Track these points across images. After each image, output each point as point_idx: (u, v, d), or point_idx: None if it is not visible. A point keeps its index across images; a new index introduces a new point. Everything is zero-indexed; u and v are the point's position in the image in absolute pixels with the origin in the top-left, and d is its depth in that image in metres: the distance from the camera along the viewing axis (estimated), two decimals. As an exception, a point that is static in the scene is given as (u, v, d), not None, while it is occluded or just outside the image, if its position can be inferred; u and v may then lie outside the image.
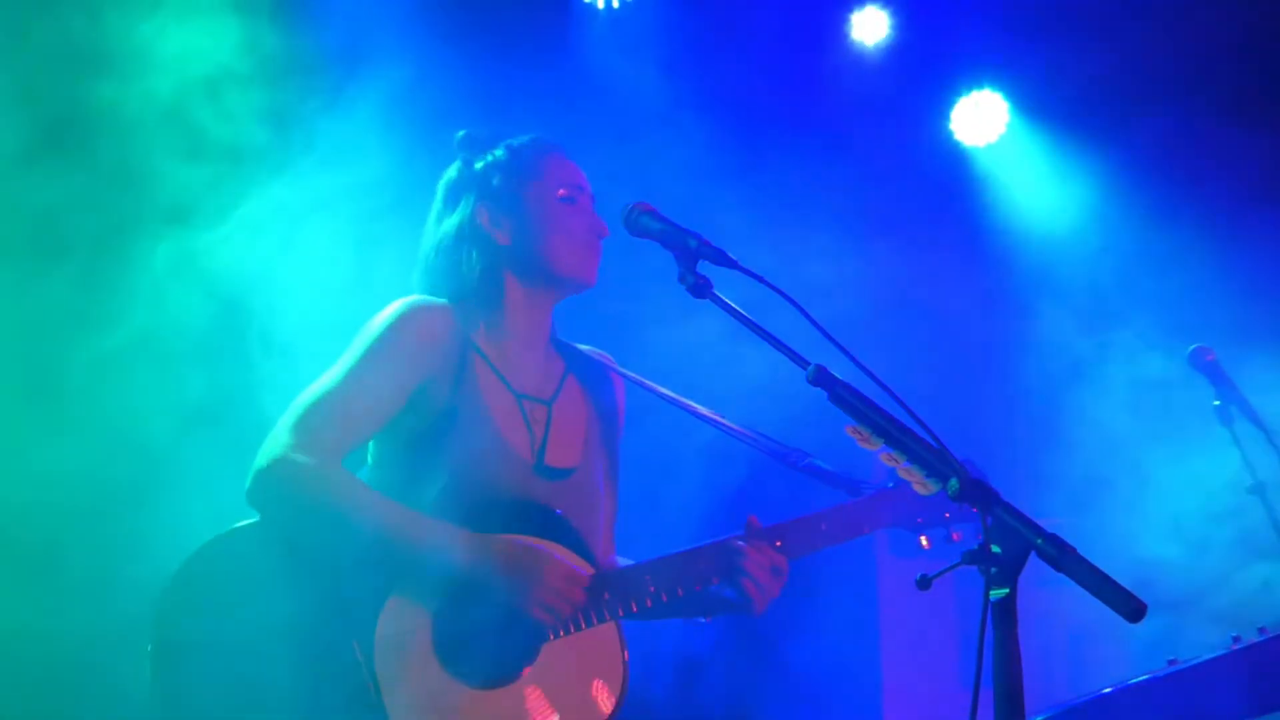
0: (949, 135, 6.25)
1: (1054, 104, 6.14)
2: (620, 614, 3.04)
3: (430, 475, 2.98)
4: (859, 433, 2.18)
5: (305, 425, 2.88)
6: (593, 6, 5.57)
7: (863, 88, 6.11)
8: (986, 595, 2.02)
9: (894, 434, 2.14)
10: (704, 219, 2.56)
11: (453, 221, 3.22)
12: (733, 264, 2.37)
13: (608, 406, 3.34)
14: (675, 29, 5.58)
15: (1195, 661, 3.20)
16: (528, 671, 2.93)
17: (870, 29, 6.04)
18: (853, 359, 2.21)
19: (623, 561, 3.28)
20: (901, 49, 6.07)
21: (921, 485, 2.12)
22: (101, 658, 3.81)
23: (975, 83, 6.18)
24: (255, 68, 4.25)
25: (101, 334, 4.02)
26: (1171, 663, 3.22)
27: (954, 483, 2.05)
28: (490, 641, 2.89)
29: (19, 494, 3.89)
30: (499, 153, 3.24)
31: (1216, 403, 4.00)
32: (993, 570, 2.01)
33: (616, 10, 5.55)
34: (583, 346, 3.36)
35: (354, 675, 2.81)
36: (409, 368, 3.00)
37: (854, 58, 6.09)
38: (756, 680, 5.51)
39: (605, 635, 3.03)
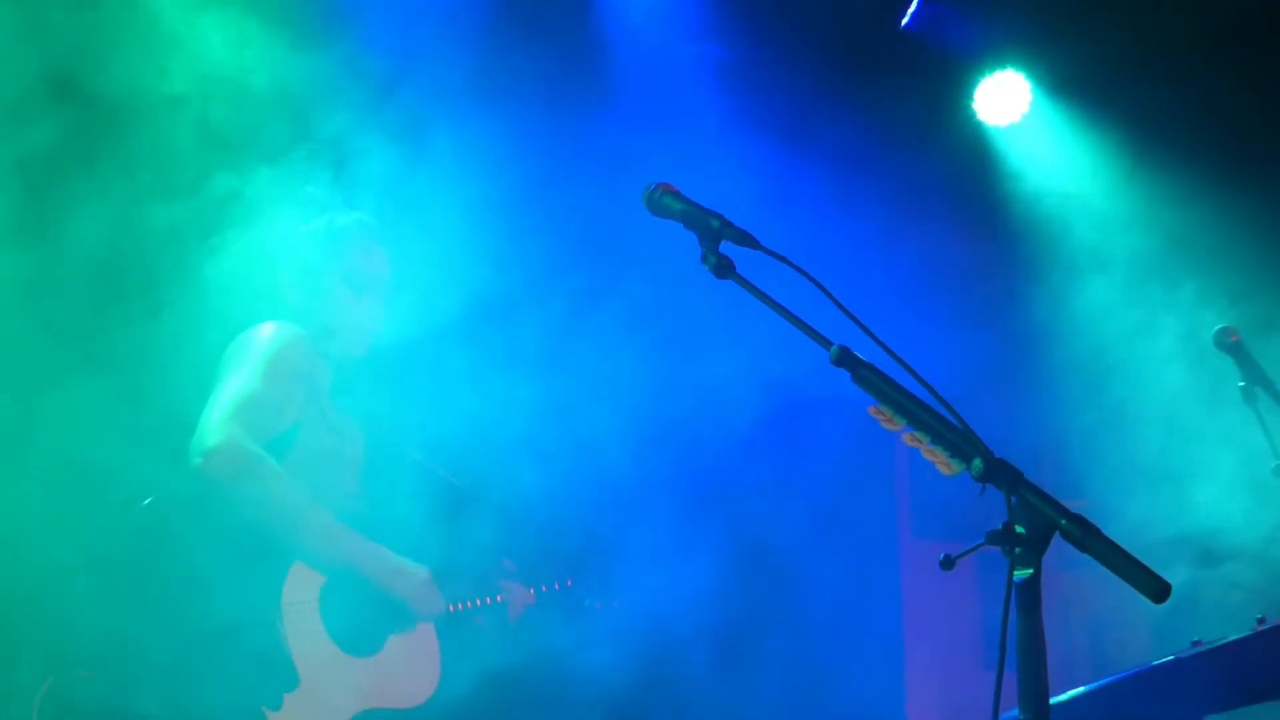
0: (972, 115, 6.22)
1: (1077, 83, 6.10)
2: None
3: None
4: (882, 414, 2.18)
5: (241, 419, 3.41)
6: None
7: (886, 67, 6.09)
8: (1010, 576, 2.02)
9: (917, 415, 2.14)
10: (726, 202, 2.54)
11: (289, 272, 3.84)
12: (755, 245, 2.36)
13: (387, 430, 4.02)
14: (700, 9, 5.56)
15: (1220, 642, 3.19)
16: (377, 655, 3.69)
17: (897, 11, 6.02)
18: (876, 340, 2.20)
19: None
20: (925, 29, 6.04)
21: (945, 466, 2.12)
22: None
23: (998, 63, 6.15)
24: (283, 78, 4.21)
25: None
26: (1196, 644, 3.21)
27: (978, 463, 2.05)
28: (366, 625, 3.64)
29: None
30: (318, 228, 3.86)
31: (1241, 384, 3.97)
32: (1017, 551, 2.01)
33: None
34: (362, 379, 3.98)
35: (267, 632, 3.43)
36: (293, 382, 3.61)
37: (877, 39, 6.06)
38: (781, 660, 5.52)
39: (428, 642, 3.84)
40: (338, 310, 3.83)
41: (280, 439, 3.57)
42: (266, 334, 3.65)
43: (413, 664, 3.79)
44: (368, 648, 3.68)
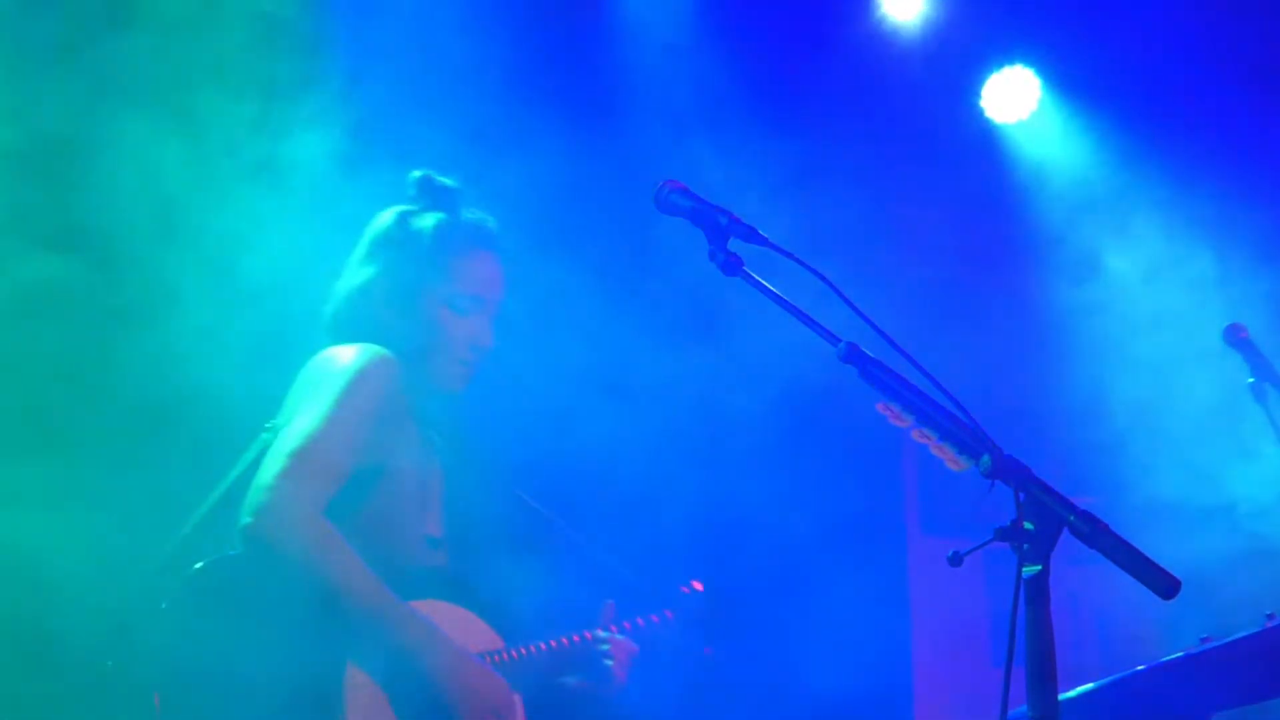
0: (980, 112, 6.21)
1: (1086, 79, 6.09)
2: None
3: (357, 526, 3.03)
4: (890, 410, 2.18)
5: (298, 475, 2.92)
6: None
7: (894, 65, 6.08)
8: (1019, 572, 2.02)
9: (925, 411, 2.14)
10: (734, 198, 2.55)
11: (365, 275, 3.30)
12: (763, 241, 2.36)
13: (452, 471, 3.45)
14: (705, 5, 5.56)
15: (1230, 639, 3.18)
16: None
17: (903, 6, 6.00)
18: (884, 336, 2.20)
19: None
20: (932, 26, 6.03)
21: (954, 462, 2.12)
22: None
23: (1006, 59, 6.14)
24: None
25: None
26: (1205, 640, 3.20)
27: (986, 459, 2.05)
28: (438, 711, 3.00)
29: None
30: (428, 227, 3.30)
31: (1250, 380, 3.96)
32: (1025, 547, 2.01)
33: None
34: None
35: (326, 707, 2.90)
36: (375, 418, 3.08)
37: (885, 35, 6.05)
38: (787, 656, 5.51)
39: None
40: (437, 336, 3.27)
41: (364, 480, 3.08)
42: (343, 362, 3.11)
43: None
44: None
